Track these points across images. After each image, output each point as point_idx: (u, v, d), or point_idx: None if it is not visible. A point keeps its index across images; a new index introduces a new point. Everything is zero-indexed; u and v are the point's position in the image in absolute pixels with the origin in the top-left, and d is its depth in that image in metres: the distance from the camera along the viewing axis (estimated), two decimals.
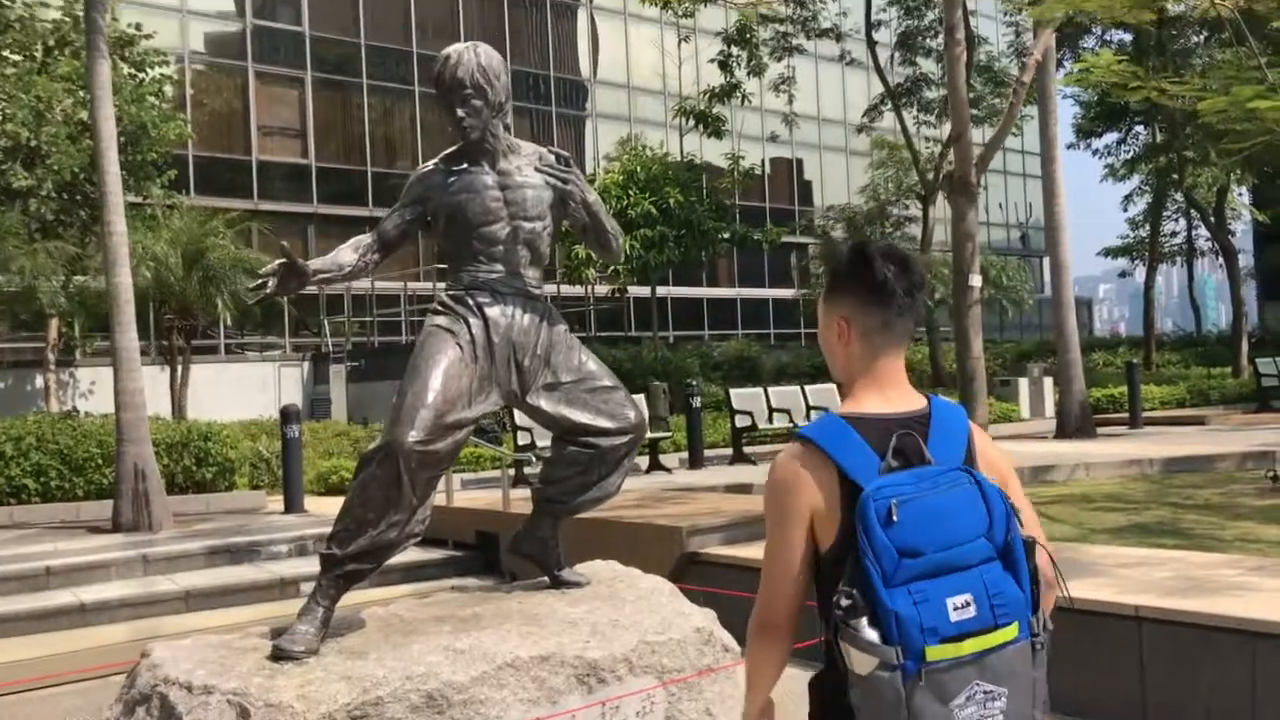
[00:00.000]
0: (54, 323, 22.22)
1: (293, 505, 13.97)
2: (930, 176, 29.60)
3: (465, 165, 4.93)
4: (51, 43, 20.99)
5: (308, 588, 7.35)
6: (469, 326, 4.79)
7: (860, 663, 2.17)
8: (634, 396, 5.33)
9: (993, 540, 2.20)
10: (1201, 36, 29.96)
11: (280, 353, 29.55)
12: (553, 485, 5.29)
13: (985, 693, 2.14)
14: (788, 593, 2.36)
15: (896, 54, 33.11)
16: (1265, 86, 9.01)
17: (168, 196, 23.15)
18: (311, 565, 10.48)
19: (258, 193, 33.44)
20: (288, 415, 14.45)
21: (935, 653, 2.10)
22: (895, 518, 2.14)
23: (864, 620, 2.15)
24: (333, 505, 13.33)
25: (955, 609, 2.12)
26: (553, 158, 5.07)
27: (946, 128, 29.13)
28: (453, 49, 4.94)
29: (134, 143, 21.05)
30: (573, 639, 4.58)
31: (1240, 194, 35.54)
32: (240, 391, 24.76)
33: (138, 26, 22.50)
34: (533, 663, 4.38)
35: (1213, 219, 33.33)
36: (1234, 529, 9.02)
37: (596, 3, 46.44)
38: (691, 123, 25.63)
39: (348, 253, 5.00)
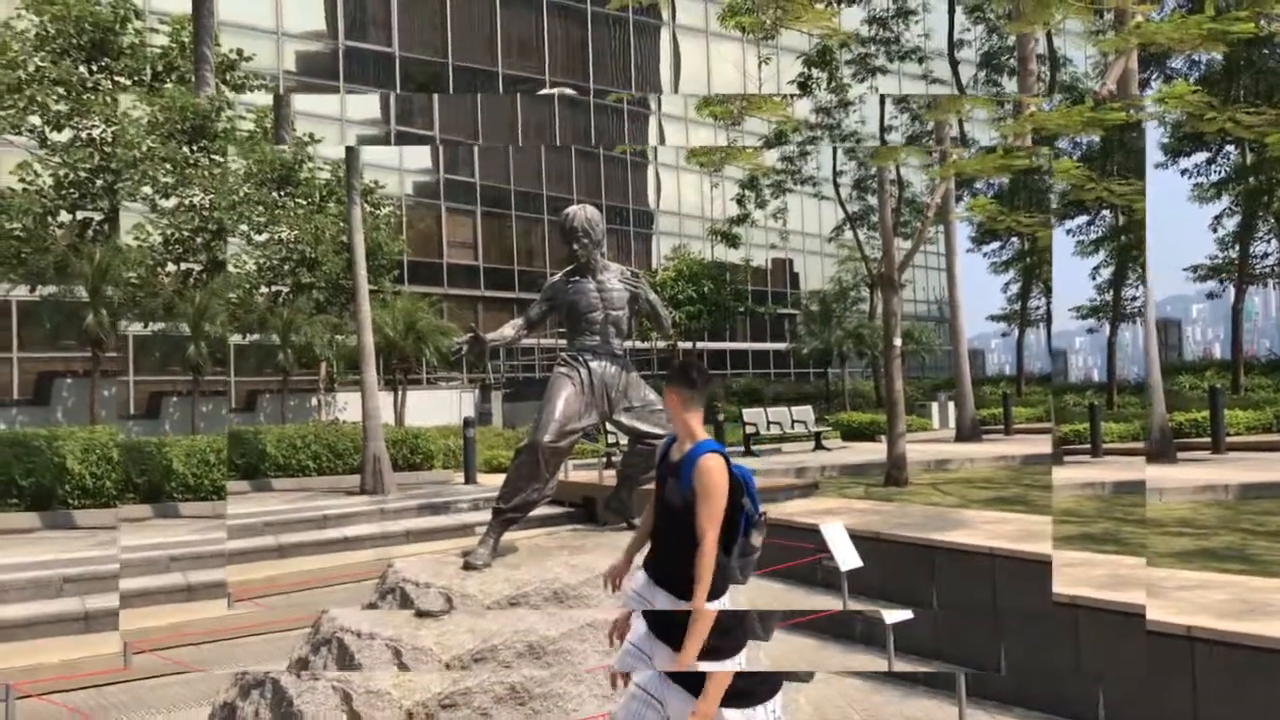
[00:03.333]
0: (323, 365, 22.79)
1: (470, 479, 14.05)
2: (876, 272, 29.25)
3: (577, 278, 5.26)
4: (160, 68, 15.63)
5: (480, 530, 7.71)
6: (580, 373, 5.11)
7: (757, 539, 2.93)
8: None
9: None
10: None
11: (460, 383, 29.91)
12: (629, 468, 5.59)
13: None
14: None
15: (980, 74, 25.65)
16: None
17: (393, 287, 23.66)
18: (483, 516, 10.65)
19: (447, 283, 34.03)
20: (468, 423, 14.67)
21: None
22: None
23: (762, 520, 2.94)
24: (495, 479, 13.67)
25: None
26: (630, 274, 5.47)
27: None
28: (571, 210, 5.31)
29: (372, 254, 21.24)
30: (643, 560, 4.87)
31: None
32: (436, 408, 24.83)
33: (239, 52, 17.29)
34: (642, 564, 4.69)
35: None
36: None
37: (679, 21, 36.67)
38: (719, 239, 25.87)
39: (508, 329, 5.36)
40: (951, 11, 23.20)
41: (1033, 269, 29.87)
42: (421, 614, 3.95)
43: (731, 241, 25.40)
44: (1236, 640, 4.33)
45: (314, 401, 23.63)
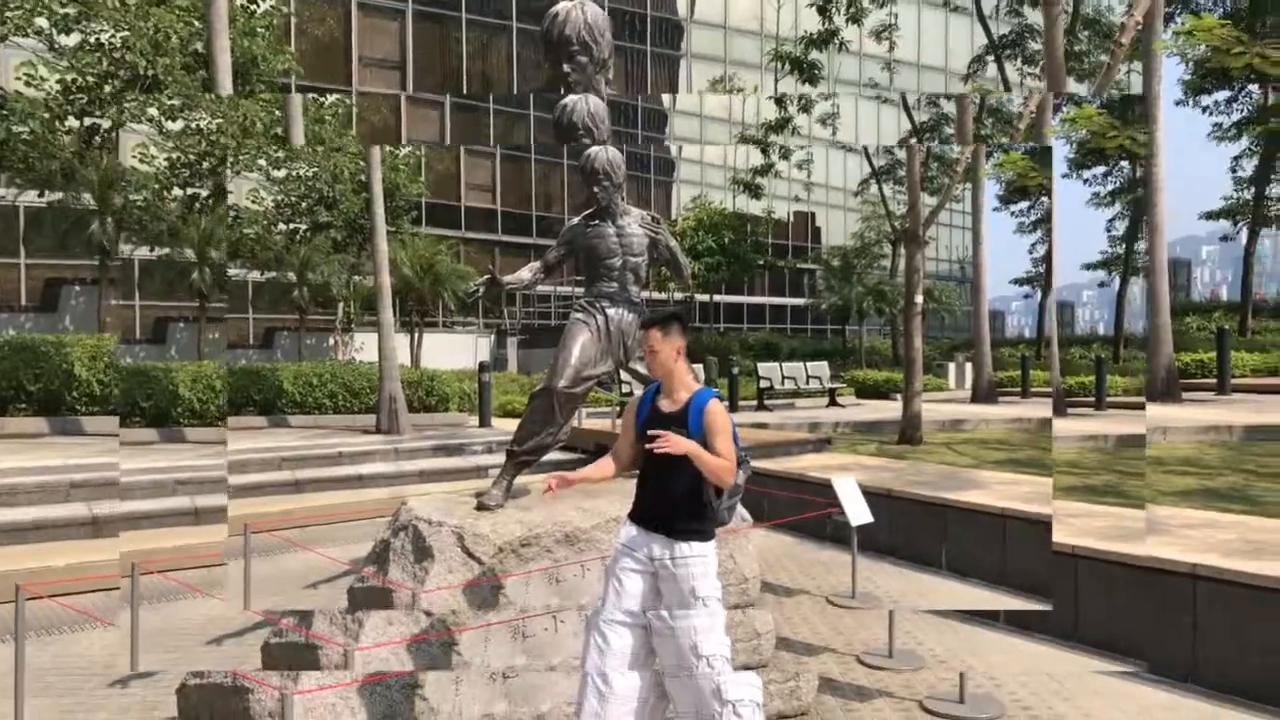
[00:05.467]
0: (341, 305, 22.86)
1: (484, 422, 14.05)
2: (900, 228, 28.80)
3: (597, 222, 5.15)
4: None
5: (494, 472, 7.64)
6: (597, 320, 5.04)
7: (742, 479, 3.13)
8: (694, 366, 5.58)
9: None
10: None
11: (476, 328, 29.97)
12: None
13: None
14: None
15: (1002, 4, 23.98)
16: None
17: (412, 229, 23.49)
18: (496, 458, 10.87)
19: (464, 226, 33.87)
20: (483, 367, 14.65)
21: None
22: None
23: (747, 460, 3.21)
24: (509, 423, 13.69)
25: None
26: (650, 219, 5.36)
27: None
28: (592, 151, 5.14)
29: (391, 195, 20.96)
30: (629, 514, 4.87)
31: None
32: (452, 351, 24.81)
33: None
34: (626, 519, 4.71)
35: None
36: None
37: None
38: (741, 189, 25.45)
39: (525, 272, 5.28)
40: None
41: None
42: (481, 506, 4.62)
43: (754, 192, 24.98)
44: (1243, 580, 4.34)
45: (330, 341, 23.73)
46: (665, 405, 3.28)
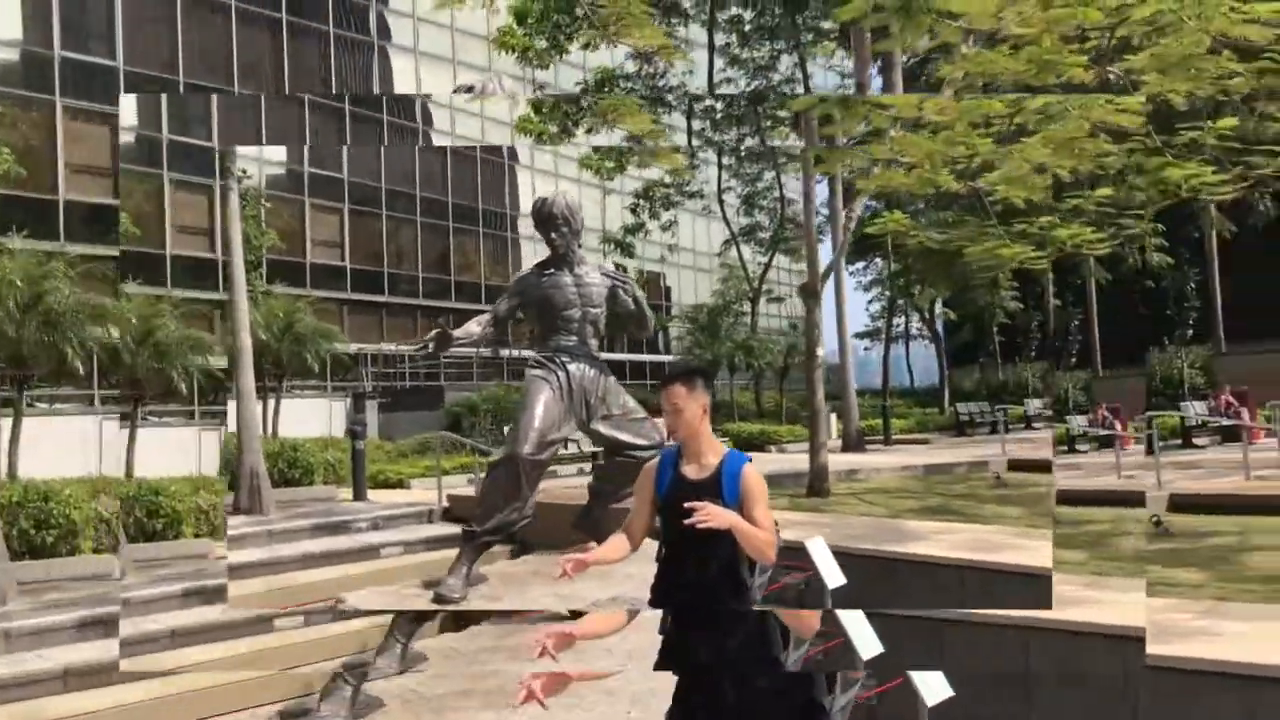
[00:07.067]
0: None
1: (359, 495, 12.86)
2: (756, 286, 30.16)
3: (552, 271, 4.85)
4: None
5: (387, 551, 6.86)
6: (558, 376, 4.67)
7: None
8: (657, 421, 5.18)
9: None
10: None
11: (326, 390, 27.99)
12: (606, 482, 5.15)
13: None
14: None
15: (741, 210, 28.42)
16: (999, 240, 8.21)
17: (263, 285, 21.77)
18: (385, 536, 9.85)
19: (310, 283, 31.77)
20: (355, 434, 13.60)
21: None
22: None
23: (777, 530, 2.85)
24: (383, 495, 12.37)
25: None
26: (611, 267, 5.07)
27: (768, 257, 30.12)
28: (548, 195, 4.86)
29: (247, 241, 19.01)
30: (633, 587, 4.41)
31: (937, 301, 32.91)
32: (301, 417, 23.20)
33: None
34: (608, 602, 4.21)
35: (926, 316, 34.14)
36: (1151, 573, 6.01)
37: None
38: (615, 248, 25.62)
39: (474, 326, 4.84)
40: (711, 50, 24.17)
41: (904, 287, 31.54)
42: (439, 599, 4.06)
43: (628, 251, 25.28)
44: (1182, 666, 4.16)
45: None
46: (692, 472, 2.89)
